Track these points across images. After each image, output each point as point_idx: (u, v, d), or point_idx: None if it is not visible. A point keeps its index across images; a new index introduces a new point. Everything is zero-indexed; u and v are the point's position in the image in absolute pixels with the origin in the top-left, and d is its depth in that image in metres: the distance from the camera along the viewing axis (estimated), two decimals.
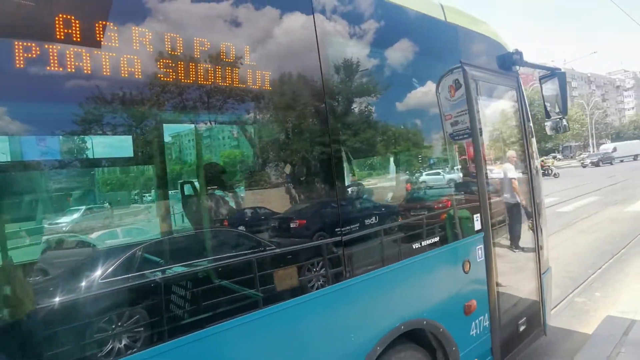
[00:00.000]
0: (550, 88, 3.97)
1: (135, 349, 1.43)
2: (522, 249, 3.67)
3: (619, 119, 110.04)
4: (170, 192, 2.19)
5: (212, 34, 1.76)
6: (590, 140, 53.58)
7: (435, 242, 2.65)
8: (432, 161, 3.16)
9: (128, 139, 1.82)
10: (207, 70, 1.71)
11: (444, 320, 2.61)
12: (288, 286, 1.92)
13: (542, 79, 4.03)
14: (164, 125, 1.89)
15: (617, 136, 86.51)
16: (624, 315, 4.43)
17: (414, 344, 2.54)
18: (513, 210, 3.92)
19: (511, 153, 4.10)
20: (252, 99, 1.94)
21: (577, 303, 5.28)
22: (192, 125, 2.10)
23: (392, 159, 3.02)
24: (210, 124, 2.07)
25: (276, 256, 1.97)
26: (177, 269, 1.76)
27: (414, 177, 3.11)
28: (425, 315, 2.49)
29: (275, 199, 2.23)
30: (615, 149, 40.81)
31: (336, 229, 2.10)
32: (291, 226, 2.14)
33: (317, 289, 2.00)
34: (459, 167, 3.19)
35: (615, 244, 7.97)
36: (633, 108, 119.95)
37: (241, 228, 2.08)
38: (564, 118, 4.08)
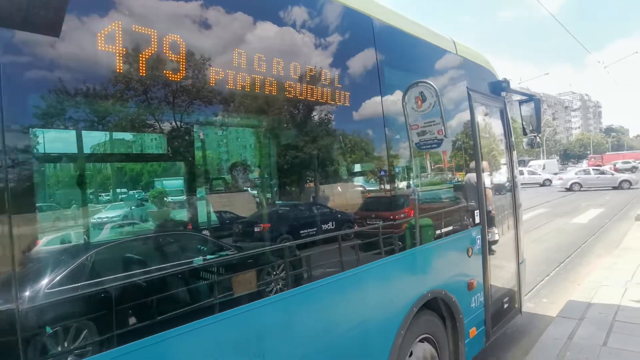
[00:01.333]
0: (527, 110, 4.83)
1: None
2: (505, 242, 4.46)
3: (567, 137, 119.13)
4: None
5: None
6: (541, 156, 57.86)
7: (451, 230, 3.35)
8: (450, 169, 3.88)
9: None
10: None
11: (455, 293, 3.30)
12: (362, 256, 2.53)
13: (521, 103, 4.88)
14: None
15: (565, 153, 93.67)
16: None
17: (431, 311, 3.20)
18: (498, 210, 4.71)
19: (500, 161, 4.90)
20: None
21: (528, 308, 5.41)
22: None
23: (430, 168, 3.71)
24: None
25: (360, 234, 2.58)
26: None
27: (441, 182, 3.80)
28: (443, 287, 3.16)
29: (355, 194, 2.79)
30: (544, 167, 40.80)
31: (395, 217, 2.74)
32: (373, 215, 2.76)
33: (376, 259, 2.62)
34: (464, 173, 3.92)
35: (562, 252, 8.76)
36: (579, 127, 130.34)
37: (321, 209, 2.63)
38: (537, 135, 4.95)
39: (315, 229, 2.39)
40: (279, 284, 2.09)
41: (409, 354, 2.89)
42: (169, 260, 1.77)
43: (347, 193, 2.76)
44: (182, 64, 1.74)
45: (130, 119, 1.71)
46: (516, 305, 4.53)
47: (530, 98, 4.81)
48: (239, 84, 1.95)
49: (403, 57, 3.17)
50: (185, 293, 1.75)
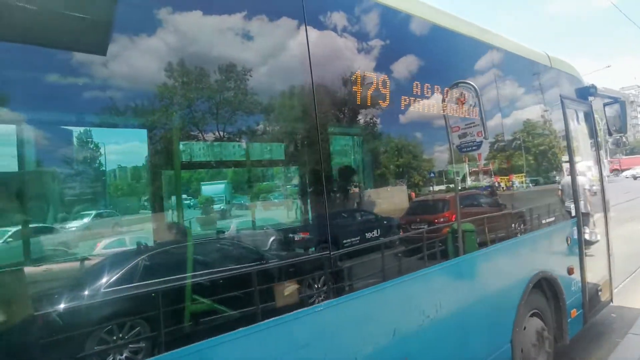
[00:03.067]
0: (613, 111, 5.14)
1: None
2: (597, 235, 4.81)
3: (633, 134, 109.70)
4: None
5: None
6: (605, 155, 54.12)
7: (554, 220, 3.86)
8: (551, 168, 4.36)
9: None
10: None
11: (559, 275, 3.78)
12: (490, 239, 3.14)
13: (605, 105, 5.21)
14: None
15: (632, 152, 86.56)
16: None
17: (539, 290, 3.70)
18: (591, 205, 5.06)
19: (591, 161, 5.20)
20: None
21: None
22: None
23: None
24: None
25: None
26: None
27: (545, 180, 4.29)
28: (550, 269, 3.66)
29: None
30: None
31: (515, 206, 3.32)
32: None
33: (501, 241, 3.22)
34: (562, 173, 4.37)
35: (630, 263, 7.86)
36: None
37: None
38: (624, 135, 5.25)
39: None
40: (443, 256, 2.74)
41: (524, 327, 3.42)
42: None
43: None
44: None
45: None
46: (608, 294, 4.85)
47: (615, 100, 5.14)
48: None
49: (516, 76, 3.76)
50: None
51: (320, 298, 1.98)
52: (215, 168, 2.13)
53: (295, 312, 1.84)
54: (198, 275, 1.70)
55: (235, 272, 1.84)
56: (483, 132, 3.04)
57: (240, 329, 1.65)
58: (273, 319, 1.75)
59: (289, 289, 1.90)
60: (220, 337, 1.59)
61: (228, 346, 1.61)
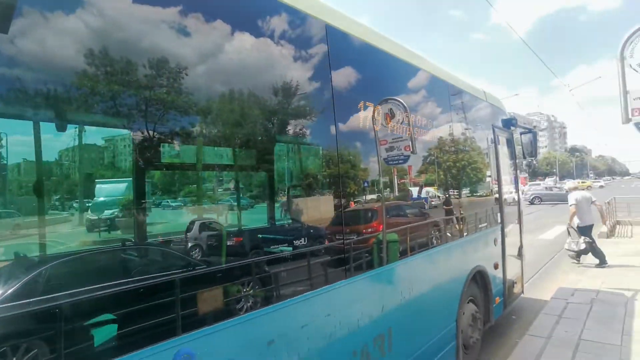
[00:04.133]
0: (527, 139, 6.39)
1: None
2: (513, 239, 5.95)
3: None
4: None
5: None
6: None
7: (486, 225, 4.80)
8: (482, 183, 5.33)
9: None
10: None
11: (489, 270, 4.72)
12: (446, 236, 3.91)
13: (522, 134, 6.46)
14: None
15: (533, 172, 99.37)
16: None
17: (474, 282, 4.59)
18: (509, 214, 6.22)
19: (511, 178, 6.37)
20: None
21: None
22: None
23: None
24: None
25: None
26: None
27: (480, 194, 5.24)
28: (483, 265, 4.57)
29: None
30: None
31: (462, 215, 4.14)
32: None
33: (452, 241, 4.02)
34: (491, 188, 5.39)
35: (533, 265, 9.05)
36: (546, 147, 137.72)
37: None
38: (535, 159, 6.54)
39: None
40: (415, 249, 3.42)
41: (463, 312, 4.25)
42: None
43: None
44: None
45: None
46: (520, 287, 6.01)
47: (529, 130, 6.40)
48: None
49: (461, 106, 4.65)
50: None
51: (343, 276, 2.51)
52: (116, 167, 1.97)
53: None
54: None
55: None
56: (411, 147, 3.11)
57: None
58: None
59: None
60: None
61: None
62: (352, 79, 2.91)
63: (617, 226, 13.84)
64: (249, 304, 2.02)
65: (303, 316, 2.22)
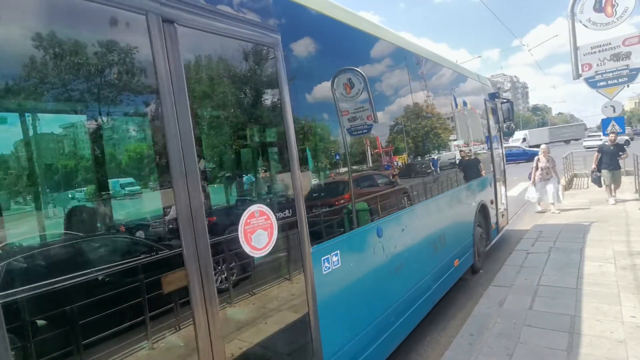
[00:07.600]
0: (506, 107, 8.30)
1: None
2: (500, 182, 7.93)
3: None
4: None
5: None
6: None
7: (484, 172, 6.73)
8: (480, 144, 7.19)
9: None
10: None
11: (487, 204, 6.65)
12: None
13: (502, 103, 8.35)
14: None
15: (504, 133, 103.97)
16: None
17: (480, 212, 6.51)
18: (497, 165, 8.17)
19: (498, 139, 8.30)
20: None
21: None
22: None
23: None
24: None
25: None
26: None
27: (480, 151, 7.09)
28: (485, 200, 6.49)
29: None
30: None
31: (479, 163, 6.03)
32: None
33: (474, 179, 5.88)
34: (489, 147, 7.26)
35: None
36: None
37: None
38: (512, 122, 8.49)
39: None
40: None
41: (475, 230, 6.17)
42: None
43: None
44: None
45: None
46: (506, 220, 8.08)
47: (507, 100, 8.32)
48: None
49: (464, 88, 6.42)
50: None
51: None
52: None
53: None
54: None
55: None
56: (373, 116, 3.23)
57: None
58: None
59: None
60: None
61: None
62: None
63: (574, 179, 15.12)
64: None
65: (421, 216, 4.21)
